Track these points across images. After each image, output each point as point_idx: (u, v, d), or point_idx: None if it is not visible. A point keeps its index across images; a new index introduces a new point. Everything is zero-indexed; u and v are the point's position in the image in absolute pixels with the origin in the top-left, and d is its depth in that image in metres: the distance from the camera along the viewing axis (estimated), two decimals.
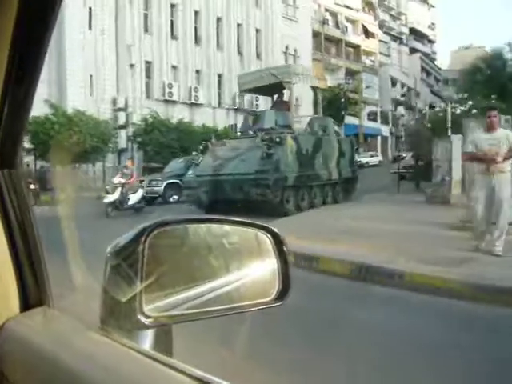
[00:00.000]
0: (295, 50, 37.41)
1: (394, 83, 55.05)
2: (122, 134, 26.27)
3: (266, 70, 12.68)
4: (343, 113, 41.54)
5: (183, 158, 17.34)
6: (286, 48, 36.75)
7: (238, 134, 12.69)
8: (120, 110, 27.04)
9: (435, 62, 71.93)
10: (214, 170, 10.26)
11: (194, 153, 11.23)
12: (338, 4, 48.37)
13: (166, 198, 15.06)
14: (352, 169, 12.86)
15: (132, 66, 27.39)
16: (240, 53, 33.20)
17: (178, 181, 15.26)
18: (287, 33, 36.30)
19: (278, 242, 0.86)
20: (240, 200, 10.06)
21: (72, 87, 25.85)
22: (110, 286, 0.73)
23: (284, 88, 12.68)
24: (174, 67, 29.47)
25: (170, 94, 28.36)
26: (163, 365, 0.58)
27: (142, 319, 0.70)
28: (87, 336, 0.73)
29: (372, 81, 48.34)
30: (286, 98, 12.74)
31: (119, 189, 11.10)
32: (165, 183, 14.95)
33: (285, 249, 0.86)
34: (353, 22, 51.11)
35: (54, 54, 25.51)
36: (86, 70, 26.43)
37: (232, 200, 10.19)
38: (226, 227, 0.87)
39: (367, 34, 53.44)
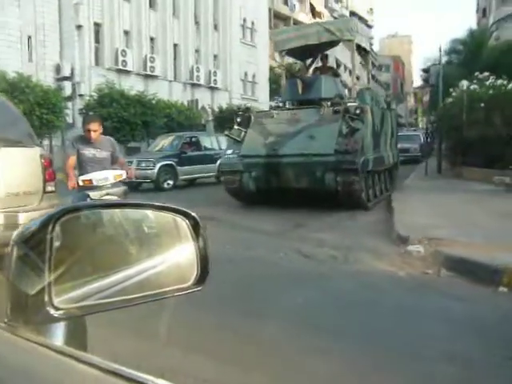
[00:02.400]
0: (253, 23, 34.94)
1: (338, 65, 54.56)
2: (69, 106, 22.43)
3: (315, 24, 10.25)
4: None
5: (175, 135, 14.49)
6: (244, 20, 34.14)
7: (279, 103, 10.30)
8: (65, 78, 23.05)
9: (372, 47, 73.00)
10: (268, 150, 7.85)
11: (235, 128, 8.56)
12: None
13: (159, 183, 12.28)
14: (397, 151, 11.02)
15: (79, 27, 23.41)
16: (197, 22, 30.10)
17: (172, 162, 12.56)
18: (244, 3, 33.67)
19: (196, 226, 0.83)
20: (309, 189, 7.82)
21: (6, 50, 21.51)
22: (16, 277, 0.68)
23: (327, 49, 10.46)
24: (126, 32, 25.79)
25: (124, 62, 24.78)
26: (76, 360, 0.53)
27: (52, 312, 0.67)
28: None
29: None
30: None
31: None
32: (159, 165, 12.15)
33: (203, 233, 0.83)
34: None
35: None
36: (24, 31, 22.14)
37: (296, 189, 7.92)
38: (142, 212, 0.84)
39: (314, 13, 52.21)
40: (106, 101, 20.39)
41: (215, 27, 31.57)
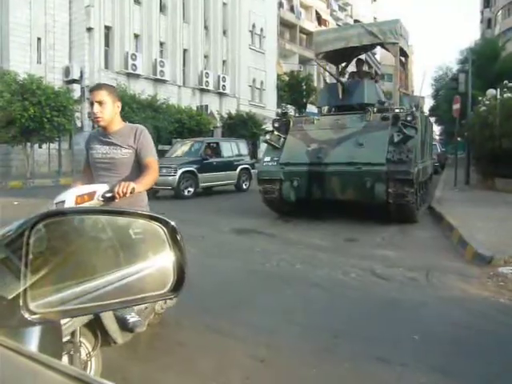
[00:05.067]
0: (261, 30, 34.62)
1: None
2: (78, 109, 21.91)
3: (357, 26, 9.79)
4: (305, 100, 39.66)
5: (194, 140, 13.98)
6: (253, 26, 33.81)
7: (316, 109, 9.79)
8: (74, 81, 22.62)
9: (375, 56, 72.88)
10: (311, 157, 7.35)
11: (274, 134, 8.02)
12: None
13: (179, 190, 11.74)
14: (432, 160, 10.55)
15: (90, 30, 22.97)
16: (206, 27, 29.74)
17: (194, 169, 12.05)
18: (254, 9, 33.35)
19: (174, 234, 0.84)
20: (354, 200, 7.32)
21: (15, 51, 21.08)
22: None
23: (362, 53, 10.01)
24: (136, 36, 25.38)
25: (134, 66, 24.34)
26: (47, 367, 0.52)
27: (26, 316, 0.66)
28: None
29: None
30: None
31: None
32: (180, 172, 11.63)
33: (180, 241, 0.84)
34: (306, 7, 49.29)
35: None
36: (33, 32, 21.71)
37: (341, 200, 7.42)
38: (123, 219, 0.85)
39: (320, 21, 52.05)
40: None
41: (224, 33, 31.24)
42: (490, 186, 11.92)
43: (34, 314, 0.67)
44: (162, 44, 26.87)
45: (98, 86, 2.68)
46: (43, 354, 0.58)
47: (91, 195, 2.27)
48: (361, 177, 6.93)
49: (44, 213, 0.72)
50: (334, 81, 9.26)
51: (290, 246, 5.81)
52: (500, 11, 53.35)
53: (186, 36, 28.19)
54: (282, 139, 7.82)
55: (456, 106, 12.56)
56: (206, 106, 27.24)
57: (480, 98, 13.26)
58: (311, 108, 41.07)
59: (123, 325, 2.27)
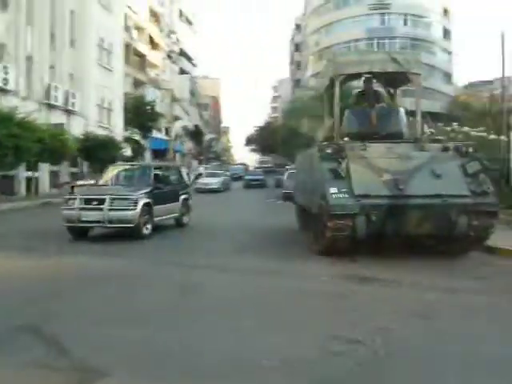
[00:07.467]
0: (110, 44, 31.87)
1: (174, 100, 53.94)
2: None
3: (380, 52, 9.25)
4: (150, 124, 37.90)
5: (137, 164, 11.58)
6: (102, 40, 30.86)
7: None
8: None
9: (196, 85, 74.66)
10: (391, 189, 6.66)
11: (339, 161, 6.98)
12: (129, 7, 44.25)
13: (140, 228, 9.38)
14: None
15: None
16: (53, 34, 25.86)
17: (150, 200, 9.87)
18: (102, 22, 30.50)
19: None
20: (436, 235, 6.92)
21: None
22: None
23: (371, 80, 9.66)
24: None
25: None
26: None
27: None
28: None
29: (156, 95, 46.32)
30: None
31: None
32: (141, 204, 9.35)
33: None
34: (140, 29, 47.82)
35: None
36: None
37: (419, 234, 6.93)
38: None
39: (153, 44, 51.06)
40: None
41: (72, 43, 27.66)
42: None
43: None
44: (1, 46, 22.23)
45: None
46: None
47: None
48: (445, 209, 6.58)
49: None
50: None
51: (412, 293, 5.05)
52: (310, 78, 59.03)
53: (29, 40, 23.92)
54: (343, 167, 6.93)
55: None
56: (62, 124, 23.46)
57: None
58: (156, 134, 39.44)
59: None
